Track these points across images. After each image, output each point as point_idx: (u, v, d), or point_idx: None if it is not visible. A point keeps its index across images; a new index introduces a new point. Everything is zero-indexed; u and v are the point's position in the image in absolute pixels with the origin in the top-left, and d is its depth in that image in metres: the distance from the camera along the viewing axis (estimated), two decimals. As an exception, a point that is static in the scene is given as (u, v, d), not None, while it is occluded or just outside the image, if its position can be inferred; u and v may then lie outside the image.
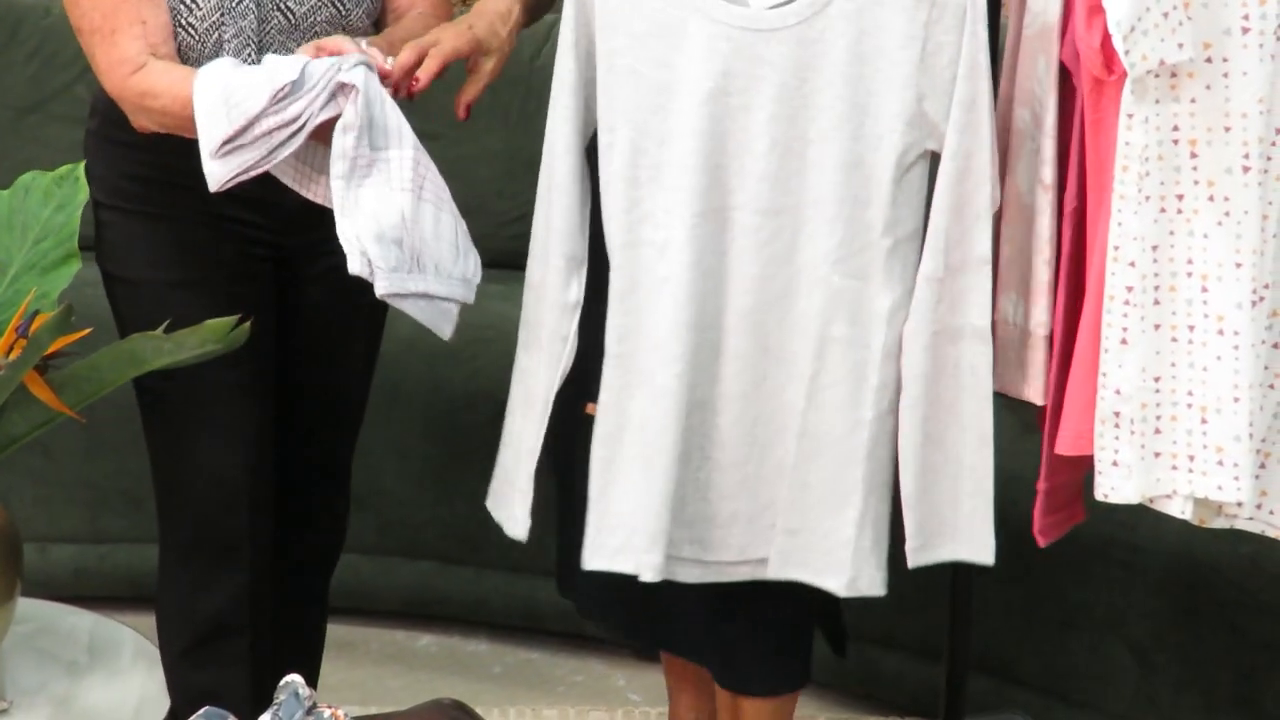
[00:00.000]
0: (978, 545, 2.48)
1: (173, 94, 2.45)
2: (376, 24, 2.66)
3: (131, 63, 2.47)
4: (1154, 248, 2.27)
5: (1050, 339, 2.46)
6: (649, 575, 2.44)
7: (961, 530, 2.47)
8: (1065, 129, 2.43)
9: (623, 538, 2.45)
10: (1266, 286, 2.27)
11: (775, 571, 2.49)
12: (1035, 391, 2.49)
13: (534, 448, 2.50)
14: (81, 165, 2.63)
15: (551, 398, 2.48)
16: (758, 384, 2.44)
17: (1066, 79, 2.41)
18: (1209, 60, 2.23)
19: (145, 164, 2.59)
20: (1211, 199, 2.25)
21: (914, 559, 2.47)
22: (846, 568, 2.45)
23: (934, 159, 2.40)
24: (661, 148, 2.38)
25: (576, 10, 2.40)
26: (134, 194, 2.61)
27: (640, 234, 2.41)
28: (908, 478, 2.44)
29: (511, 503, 2.54)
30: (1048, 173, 2.43)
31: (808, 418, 2.43)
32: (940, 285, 2.40)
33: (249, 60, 2.51)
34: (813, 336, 2.41)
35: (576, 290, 2.46)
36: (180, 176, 2.53)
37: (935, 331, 2.41)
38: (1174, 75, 2.24)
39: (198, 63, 2.48)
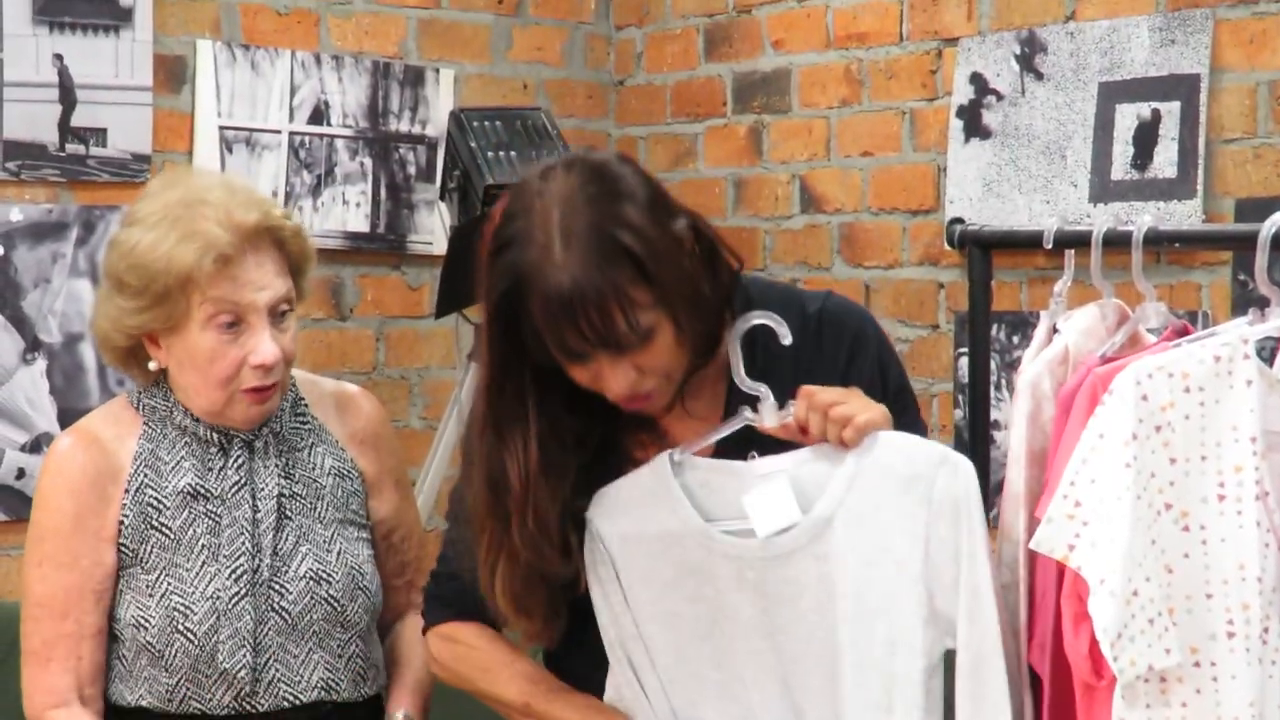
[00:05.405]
0: None
1: None
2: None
3: (57, 696, 2.58)
4: None
5: None
6: None
7: None
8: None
9: None
10: None
11: None
12: None
13: None
14: None
15: None
16: None
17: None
18: (1197, 665, 2.26)
19: None
20: (1209, 806, 2.25)
21: None
22: None
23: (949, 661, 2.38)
24: (719, 670, 2.38)
25: (602, 573, 2.41)
26: None
27: None
28: None
29: None
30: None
31: None
32: None
33: (243, 662, 2.51)
34: None
35: None
36: None
37: None
38: (1163, 680, 2.25)
39: (194, 667, 2.52)
